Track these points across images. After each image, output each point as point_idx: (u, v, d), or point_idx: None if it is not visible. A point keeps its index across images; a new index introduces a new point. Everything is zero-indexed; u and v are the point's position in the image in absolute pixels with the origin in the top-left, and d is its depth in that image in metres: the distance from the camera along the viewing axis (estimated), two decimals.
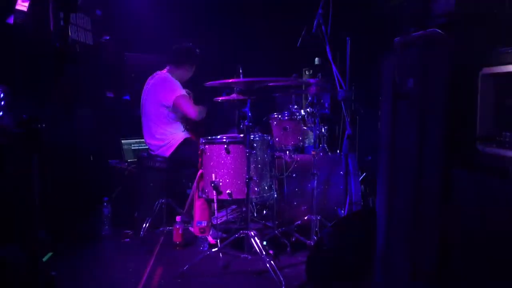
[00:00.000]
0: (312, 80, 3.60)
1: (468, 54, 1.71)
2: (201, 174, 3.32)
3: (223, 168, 3.18)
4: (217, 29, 5.46)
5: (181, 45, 4.05)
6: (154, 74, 4.02)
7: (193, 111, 3.80)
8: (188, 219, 3.73)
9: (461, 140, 1.74)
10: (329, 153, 3.88)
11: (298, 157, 3.76)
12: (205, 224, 3.43)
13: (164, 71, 3.98)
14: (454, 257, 1.71)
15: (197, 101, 4.01)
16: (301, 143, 3.77)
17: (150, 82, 3.99)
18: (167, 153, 3.84)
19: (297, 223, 3.49)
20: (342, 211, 3.44)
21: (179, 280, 2.93)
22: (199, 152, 3.32)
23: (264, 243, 3.20)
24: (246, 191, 3.07)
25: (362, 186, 3.85)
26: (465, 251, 1.66)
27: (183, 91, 3.85)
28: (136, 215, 4.01)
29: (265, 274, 2.94)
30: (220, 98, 3.90)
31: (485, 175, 1.61)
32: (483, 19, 1.71)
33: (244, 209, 3.25)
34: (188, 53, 4.01)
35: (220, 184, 3.16)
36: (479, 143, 1.69)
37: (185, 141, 3.87)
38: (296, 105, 4.00)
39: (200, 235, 3.46)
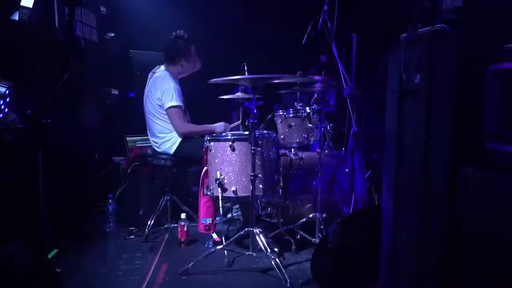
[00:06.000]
0: (317, 77, 3.58)
1: (476, 51, 1.69)
2: (206, 171, 3.31)
3: (228, 165, 3.17)
4: (222, 27, 5.45)
5: (169, 40, 3.91)
6: (155, 69, 3.99)
7: (179, 126, 3.75)
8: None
9: (469, 137, 1.72)
10: (334, 151, 3.87)
11: (303, 154, 3.75)
12: (210, 222, 3.43)
13: (163, 68, 3.94)
14: (461, 256, 1.70)
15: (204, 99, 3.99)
16: (306, 141, 3.75)
17: (150, 79, 3.95)
18: (171, 150, 3.82)
19: (302, 220, 3.48)
20: (348, 209, 3.42)
21: (184, 277, 2.93)
22: (204, 149, 3.32)
23: (269, 240, 3.20)
24: (251, 188, 3.06)
25: (367, 183, 3.83)
26: (473, 249, 1.64)
27: (179, 102, 3.74)
28: (141, 212, 4.01)
29: (270, 272, 2.94)
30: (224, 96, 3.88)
31: (492, 173, 1.59)
32: (491, 14, 1.69)
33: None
34: (174, 48, 3.88)
35: (225, 181, 3.16)
36: (486, 140, 1.67)
37: (186, 137, 3.84)
38: (301, 102, 3.98)
39: (204, 232, 3.46)
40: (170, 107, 3.72)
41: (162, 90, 3.75)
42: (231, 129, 3.95)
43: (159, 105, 3.76)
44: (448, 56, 1.75)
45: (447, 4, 1.82)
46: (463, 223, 1.69)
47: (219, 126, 3.82)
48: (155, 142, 3.89)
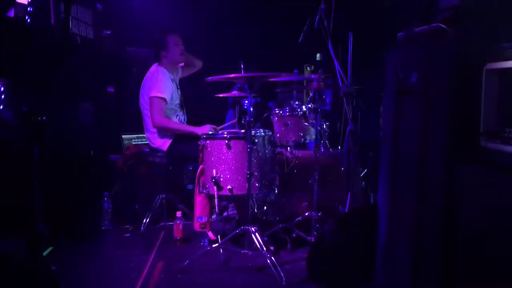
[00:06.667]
0: (313, 76, 3.58)
1: (472, 49, 1.69)
2: (202, 170, 3.30)
3: (224, 163, 3.16)
4: (218, 25, 5.45)
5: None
6: (152, 65, 4.00)
7: (156, 117, 3.70)
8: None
9: (465, 136, 1.72)
10: (330, 149, 3.87)
11: (299, 153, 3.75)
12: (206, 220, 3.42)
13: (157, 63, 3.95)
14: (457, 255, 1.70)
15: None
16: (302, 139, 3.76)
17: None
18: (165, 147, 3.81)
19: (297, 219, 3.48)
20: (344, 208, 3.43)
21: (179, 276, 2.93)
22: (199, 147, 3.31)
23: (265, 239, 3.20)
24: (247, 186, 3.06)
25: (363, 182, 3.84)
26: (470, 249, 1.64)
27: (162, 94, 3.73)
28: (136, 209, 4.00)
29: (266, 270, 2.93)
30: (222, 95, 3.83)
31: (488, 172, 1.59)
32: (489, 13, 1.70)
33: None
34: (154, 43, 3.93)
35: (221, 179, 3.15)
36: (483, 139, 1.67)
37: (179, 135, 3.82)
38: (298, 101, 3.99)
39: (200, 230, 3.46)
40: (151, 97, 3.73)
41: (150, 83, 3.79)
42: (226, 128, 3.93)
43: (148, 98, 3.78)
44: (445, 54, 1.75)
45: (444, 2, 1.83)
46: (459, 222, 1.69)
47: (203, 129, 3.68)
48: (149, 137, 3.89)
